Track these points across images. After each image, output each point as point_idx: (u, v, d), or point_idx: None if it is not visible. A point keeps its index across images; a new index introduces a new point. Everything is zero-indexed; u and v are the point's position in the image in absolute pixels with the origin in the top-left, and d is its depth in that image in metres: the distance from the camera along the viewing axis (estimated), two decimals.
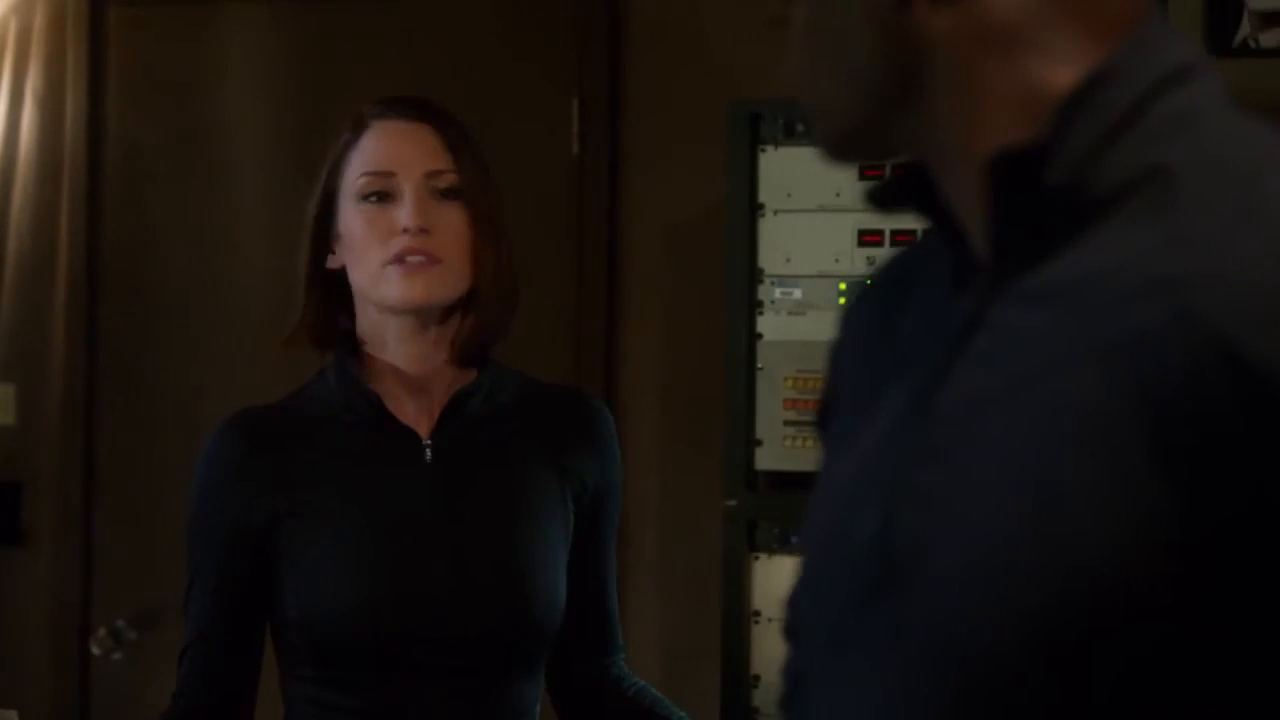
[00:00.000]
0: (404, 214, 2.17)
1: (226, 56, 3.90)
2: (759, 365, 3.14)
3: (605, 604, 2.35)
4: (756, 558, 3.15)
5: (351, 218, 2.21)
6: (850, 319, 1.27)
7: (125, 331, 3.90)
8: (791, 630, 1.21)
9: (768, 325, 3.14)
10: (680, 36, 3.63)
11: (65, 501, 3.92)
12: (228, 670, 2.23)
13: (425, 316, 2.21)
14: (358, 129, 2.23)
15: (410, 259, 2.16)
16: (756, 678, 3.14)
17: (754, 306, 3.14)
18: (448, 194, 2.20)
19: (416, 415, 2.24)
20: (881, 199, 1.16)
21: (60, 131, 3.90)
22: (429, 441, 2.23)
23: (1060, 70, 1.05)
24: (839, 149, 1.15)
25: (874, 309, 1.24)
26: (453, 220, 2.19)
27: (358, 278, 2.21)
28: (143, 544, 3.85)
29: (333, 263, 2.25)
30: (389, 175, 2.19)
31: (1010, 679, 0.99)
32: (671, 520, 3.53)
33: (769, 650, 3.13)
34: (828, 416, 1.26)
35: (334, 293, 2.25)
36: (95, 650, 3.83)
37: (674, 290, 3.63)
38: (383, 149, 2.20)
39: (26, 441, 3.94)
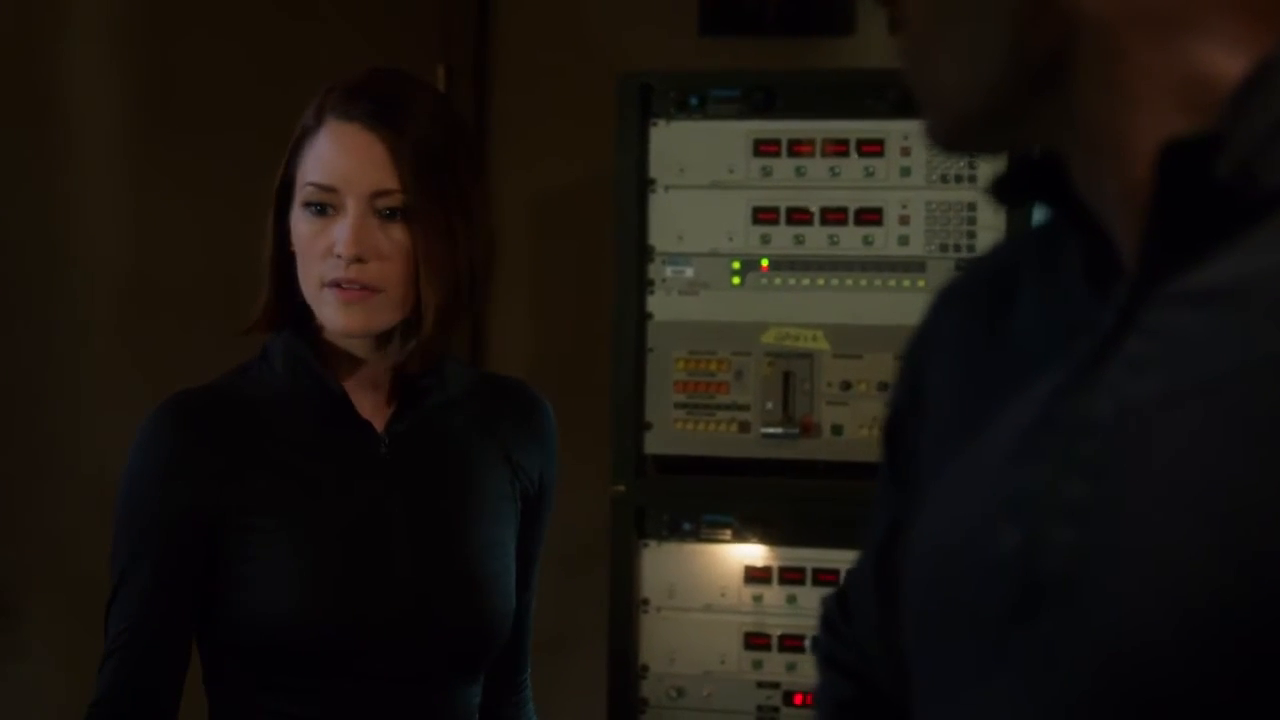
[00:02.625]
0: (340, 239, 2.04)
1: (69, 22, 3.71)
2: (649, 346, 3.05)
3: (526, 614, 2.28)
4: (645, 544, 3.06)
5: (298, 220, 2.08)
6: (936, 325, 1.20)
7: None
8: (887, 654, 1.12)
9: (658, 305, 3.05)
10: (553, 6, 3.52)
11: None
12: (155, 678, 2.06)
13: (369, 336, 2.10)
14: (317, 119, 2.08)
15: (345, 287, 2.04)
16: (645, 668, 3.06)
17: (644, 285, 3.05)
18: (392, 215, 2.05)
19: (374, 408, 2.12)
20: (1006, 191, 1.07)
21: None
22: (385, 435, 2.11)
23: (1227, 56, 0.98)
24: (959, 137, 1.06)
25: (968, 314, 1.16)
26: (392, 243, 2.05)
27: (300, 284, 2.09)
28: None
29: (291, 244, 2.11)
30: (331, 190, 2.06)
31: (1187, 695, 0.92)
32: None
33: (658, 640, 3.05)
34: (903, 431, 1.18)
35: (291, 274, 2.11)
36: None
37: (545, 267, 3.52)
38: (329, 159, 2.05)
39: None
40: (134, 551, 2.05)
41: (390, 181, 2.05)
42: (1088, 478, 0.96)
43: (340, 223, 2.04)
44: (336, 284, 2.03)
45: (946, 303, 1.20)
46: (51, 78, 3.70)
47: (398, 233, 2.05)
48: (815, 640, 1.40)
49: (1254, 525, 0.90)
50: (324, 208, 2.05)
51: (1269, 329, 0.93)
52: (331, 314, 2.05)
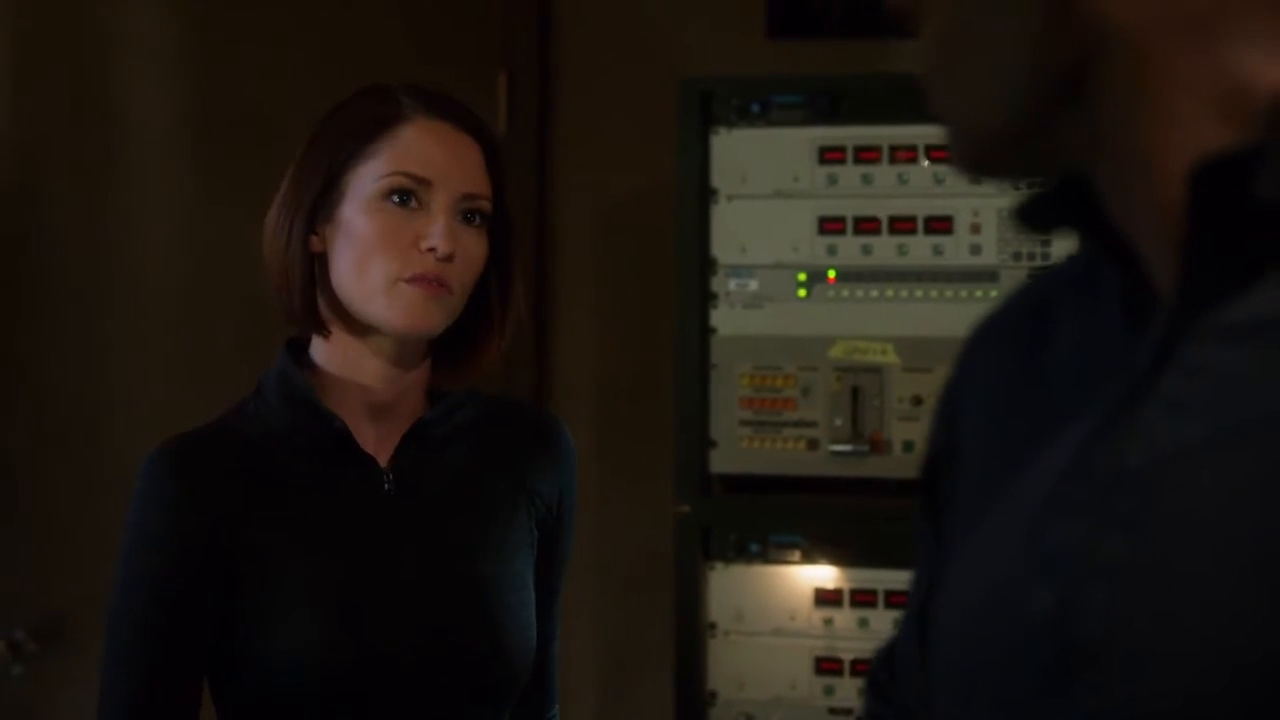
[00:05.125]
0: (435, 233, 1.96)
1: (124, 31, 3.65)
2: (713, 362, 2.96)
3: (550, 647, 2.18)
4: (712, 566, 2.96)
5: (362, 214, 1.99)
6: (972, 360, 1.11)
7: (17, 329, 3.66)
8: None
9: (722, 319, 2.96)
10: (617, 10, 3.43)
11: None
12: None
13: (414, 342, 2.02)
14: (392, 117, 2.00)
15: (428, 284, 1.97)
16: (713, 694, 2.96)
17: (707, 298, 2.95)
18: (471, 219, 2.01)
19: (377, 441, 2.04)
20: (1033, 217, 0.98)
21: None
22: (389, 470, 2.03)
23: (1266, 61, 0.87)
24: (985, 161, 0.97)
25: (1005, 349, 1.07)
26: (474, 248, 2.01)
27: (349, 281, 1.99)
28: (40, 553, 3.63)
29: (315, 245, 2.02)
30: (425, 183, 1.98)
31: None
32: (617, 526, 3.34)
33: (726, 665, 2.95)
34: (941, 475, 1.10)
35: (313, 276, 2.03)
36: None
37: (613, 278, 3.43)
38: (425, 151, 1.98)
39: None
40: (143, 611, 1.97)
41: (481, 186, 2.01)
42: (1124, 533, 0.87)
43: (425, 217, 1.97)
44: (416, 280, 1.96)
45: (982, 338, 1.11)
46: (103, 89, 3.65)
47: (477, 238, 2.01)
48: (863, 701, 1.32)
49: None
50: (408, 199, 1.98)
51: None
52: (403, 311, 1.96)
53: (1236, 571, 0.83)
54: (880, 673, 1.29)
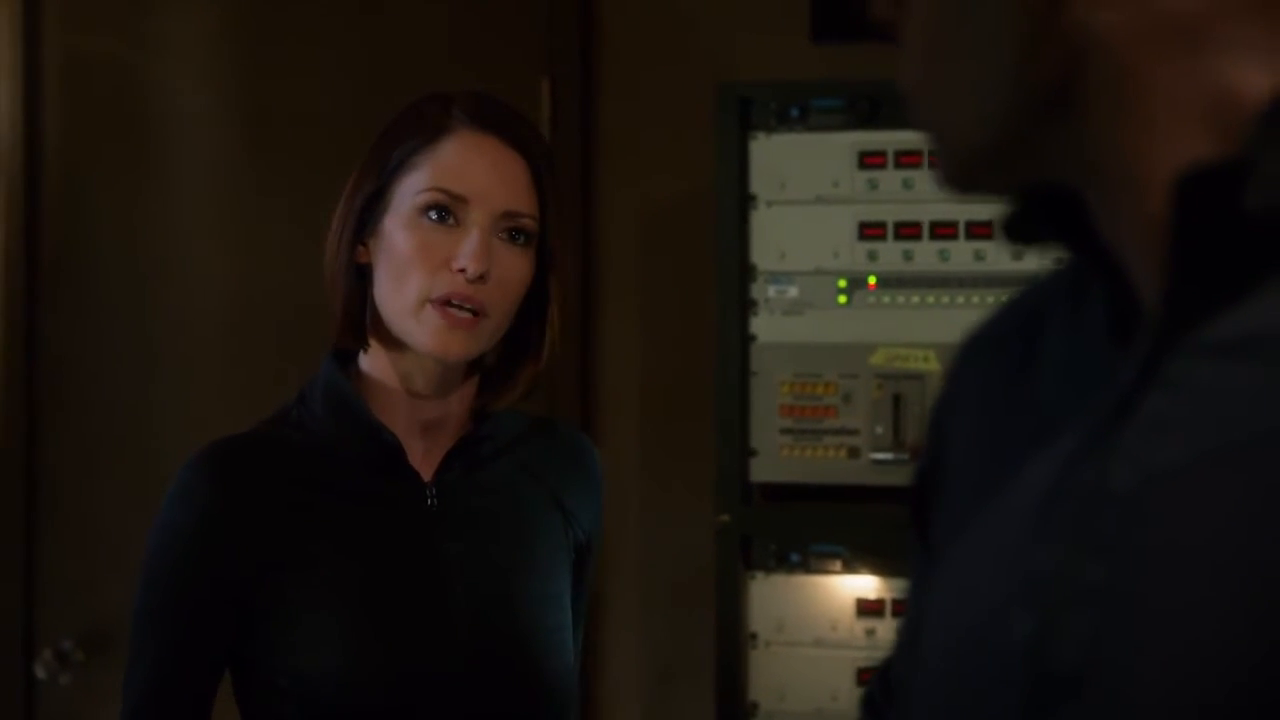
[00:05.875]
0: (465, 252, 1.92)
1: (169, 40, 3.65)
2: (753, 370, 2.93)
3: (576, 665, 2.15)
4: (753, 576, 2.94)
5: (401, 229, 1.95)
6: (959, 377, 1.07)
7: (65, 337, 3.67)
8: None
9: (762, 326, 2.93)
10: (660, 14, 3.41)
11: (4, 516, 3.68)
12: None
13: (452, 363, 1.99)
14: (438, 126, 1.96)
15: (456, 307, 1.92)
16: (754, 705, 2.93)
17: (746, 305, 2.92)
18: (514, 238, 1.96)
19: (422, 456, 2.01)
20: (1018, 231, 0.95)
21: None
22: (432, 485, 2.00)
23: (1252, 69, 0.84)
24: (969, 176, 0.94)
25: (991, 365, 1.04)
26: (514, 268, 1.95)
27: (387, 297, 1.96)
28: (89, 561, 3.64)
29: (361, 256, 1.99)
30: (462, 200, 1.93)
31: None
32: (657, 536, 3.31)
33: (767, 675, 2.92)
34: (929, 494, 1.07)
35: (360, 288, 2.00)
36: (40, 673, 3.62)
37: (654, 286, 3.41)
38: (463, 167, 1.93)
39: None
40: (164, 608, 1.95)
41: (525, 204, 1.95)
42: (1106, 558, 0.84)
43: (461, 236, 1.93)
44: (446, 301, 1.91)
45: (970, 353, 1.08)
46: (151, 98, 3.65)
47: (519, 258, 1.95)
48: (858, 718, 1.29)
49: None
50: (445, 215, 1.93)
51: None
52: (430, 335, 1.92)
53: (1221, 602, 0.80)
54: (876, 691, 1.27)
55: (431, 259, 1.92)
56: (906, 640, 1.19)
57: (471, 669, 1.94)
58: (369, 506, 1.96)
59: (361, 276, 1.98)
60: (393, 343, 1.97)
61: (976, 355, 1.07)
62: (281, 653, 1.92)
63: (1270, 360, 0.81)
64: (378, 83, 3.55)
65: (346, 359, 2.00)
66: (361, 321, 1.99)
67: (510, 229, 1.95)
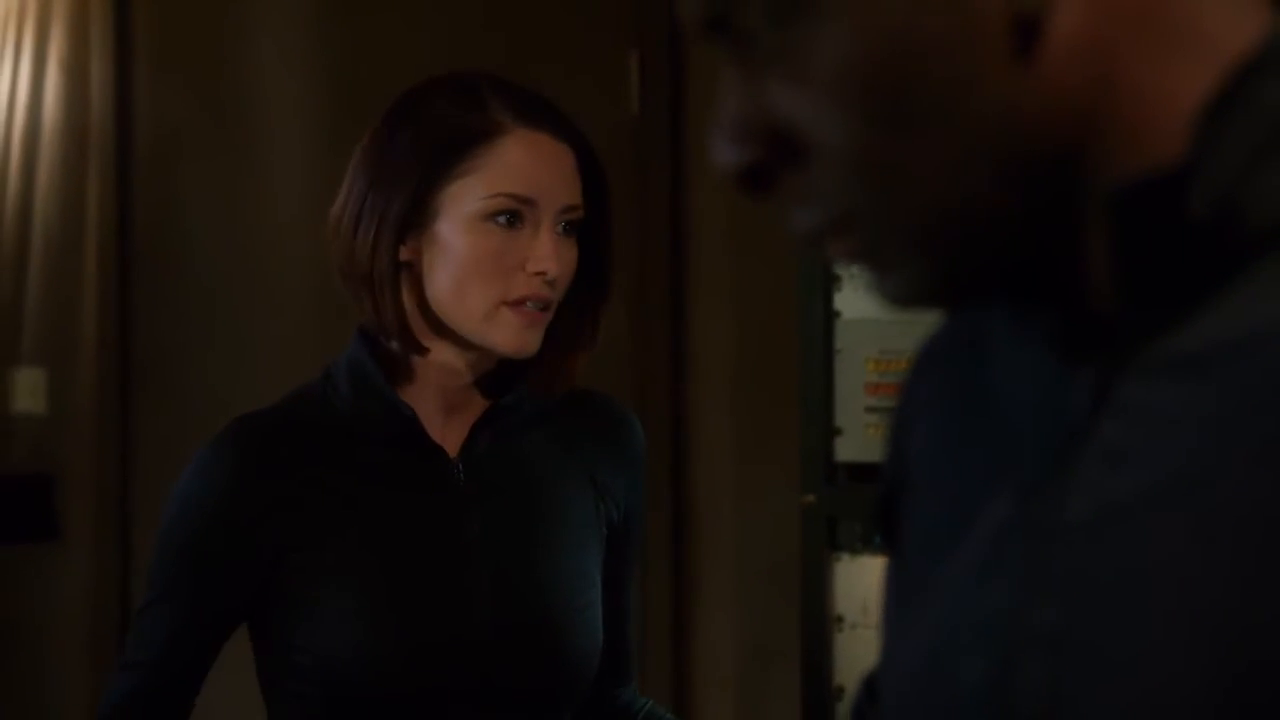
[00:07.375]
0: (542, 255, 1.91)
1: (259, 21, 3.65)
2: (837, 347, 2.87)
3: (624, 638, 2.12)
4: (838, 558, 2.88)
5: (464, 234, 1.91)
6: (913, 393, 1.00)
7: (158, 313, 3.69)
8: None
9: (846, 302, 2.87)
10: None
11: (101, 494, 3.71)
12: (168, 703, 1.96)
13: None
14: (489, 128, 1.92)
15: (532, 306, 1.92)
16: (840, 689, 2.88)
17: (830, 281, 2.86)
18: (568, 229, 1.95)
19: (445, 430, 1.98)
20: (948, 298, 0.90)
21: (86, 102, 3.67)
22: (459, 460, 1.97)
23: (1196, 66, 0.80)
24: (944, 289, 0.88)
25: (947, 373, 0.97)
26: (570, 260, 1.96)
27: (447, 300, 1.93)
28: None
29: (403, 254, 1.95)
30: (530, 202, 1.92)
31: None
32: (747, 516, 3.27)
33: (854, 659, 2.87)
34: (894, 514, 1.00)
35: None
36: None
37: (744, 262, 3.36)
38: (527, 169, 1.92)
39: (58, 430, 3.72)
40: (177, 579, 1.94)
41: (577, 196, 1.96)
42: (1059, 598, 0.80)
43: (530, 237, 1.92)
44: (521, 302, 1.91)
45: (926, 359, 1.01)
46: (242, 79, 3.65)
47: (572, 249, 1.96)
48: None
49: (1252, 650, 0.74)
50: (514, 219, 1.92)
51: (1261, 404, 0.75)
52: (510, 336, 1.91)
53: (1175, 647, 0.76)
54: (863, 698, 1.22)
55: (504, 263, 1.91)
56: (884, 653, 1.14)
57: (495, 647, 1.92)
58: (391, 483, 1.95)
59: (399, 272, 1.96)
60: (436, 328, 1.95)
61: (932, 358, 1.00)
62: (303, 632, 1.91)
63: (1207, 380, 0.77)
64: (470, 62, 3.51)
65: (374, 337, 1.98)
66: (406, 320, 1.96)
67: (566, 222, 1.95)
